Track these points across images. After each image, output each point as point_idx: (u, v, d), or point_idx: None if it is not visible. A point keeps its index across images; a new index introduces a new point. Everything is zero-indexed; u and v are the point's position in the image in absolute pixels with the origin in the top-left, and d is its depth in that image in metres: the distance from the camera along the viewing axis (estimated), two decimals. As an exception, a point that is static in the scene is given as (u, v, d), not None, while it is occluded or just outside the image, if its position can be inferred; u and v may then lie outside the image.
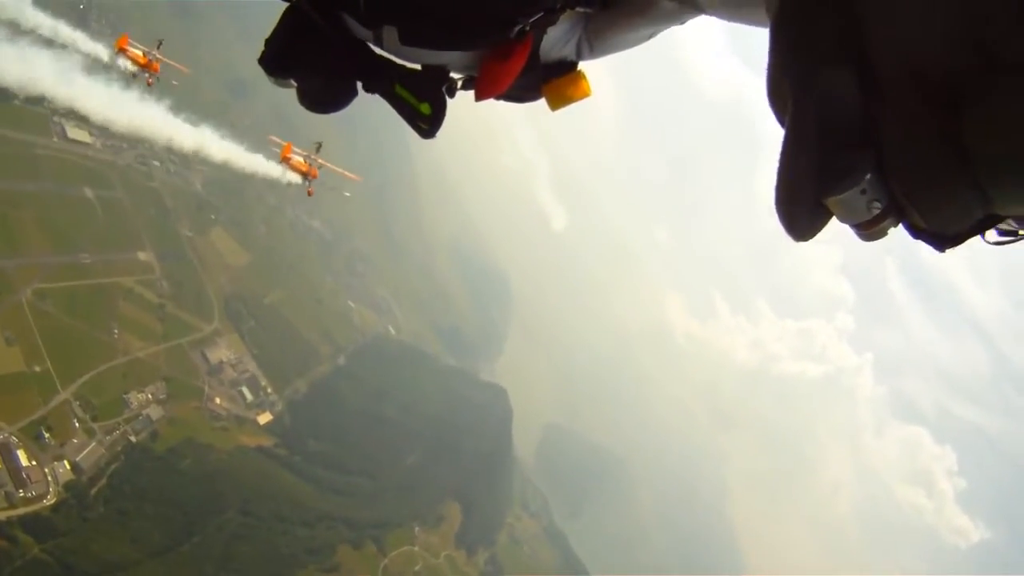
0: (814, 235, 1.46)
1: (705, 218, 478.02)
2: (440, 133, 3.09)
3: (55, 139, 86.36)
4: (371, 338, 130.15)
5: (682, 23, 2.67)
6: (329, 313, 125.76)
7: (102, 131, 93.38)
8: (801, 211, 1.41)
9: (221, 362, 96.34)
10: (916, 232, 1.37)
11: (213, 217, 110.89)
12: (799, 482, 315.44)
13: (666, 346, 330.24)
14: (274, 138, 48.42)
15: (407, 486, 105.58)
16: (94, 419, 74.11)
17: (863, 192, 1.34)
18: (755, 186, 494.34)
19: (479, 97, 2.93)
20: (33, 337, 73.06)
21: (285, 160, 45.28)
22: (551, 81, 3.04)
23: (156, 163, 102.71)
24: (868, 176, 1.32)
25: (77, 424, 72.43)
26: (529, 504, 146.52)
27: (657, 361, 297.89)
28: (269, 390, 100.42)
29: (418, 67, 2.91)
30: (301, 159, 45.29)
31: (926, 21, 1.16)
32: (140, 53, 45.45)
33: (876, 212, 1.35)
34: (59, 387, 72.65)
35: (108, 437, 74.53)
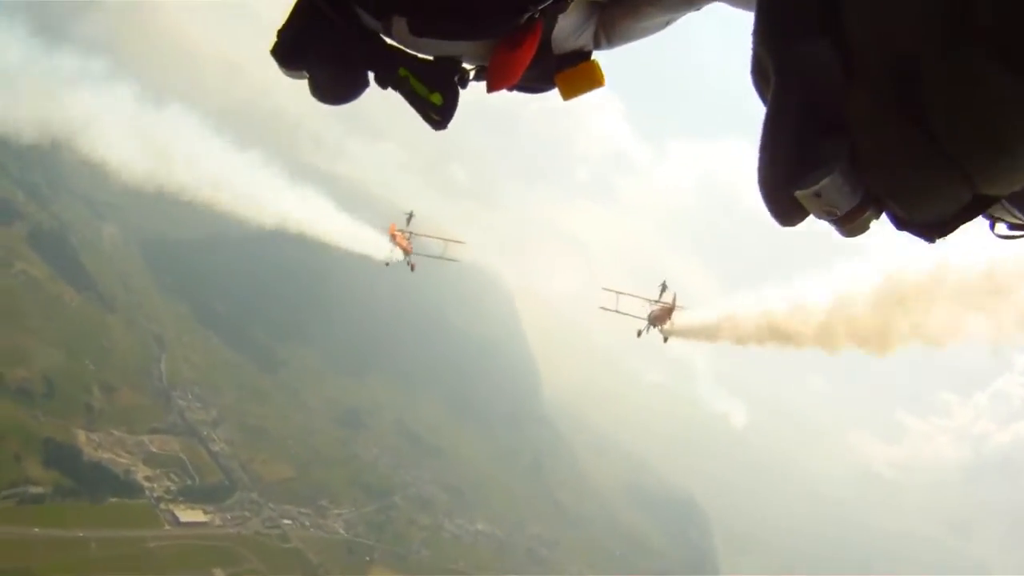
0: (798, 223, 1.41)
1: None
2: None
3: (167, 527, 79.84)
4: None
5: (697, 9, 2.75)
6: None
7: (218, 505, 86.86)
8: (780, 200, 1.36)
9: None
10: (901, 224, 1.29)
11: (368, 558, 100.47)
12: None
13: (874, 486, 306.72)
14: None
15: None
16: None
17: (836, 185, 1.25)
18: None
19: (491, 88, 2.89)
20: None
21: (392, 238, 46.26)
22: (564, 71, 3.03)
23: (288, 521, 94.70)
24: (838, 169, 1.24)
25: None
26: None
27: (872, 504, 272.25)
28: None
29: (430, 58, 2.86)
30: (400, 233, 46.32)
31: None
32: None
33: (852, 206, 1.28)
34: None
35: None
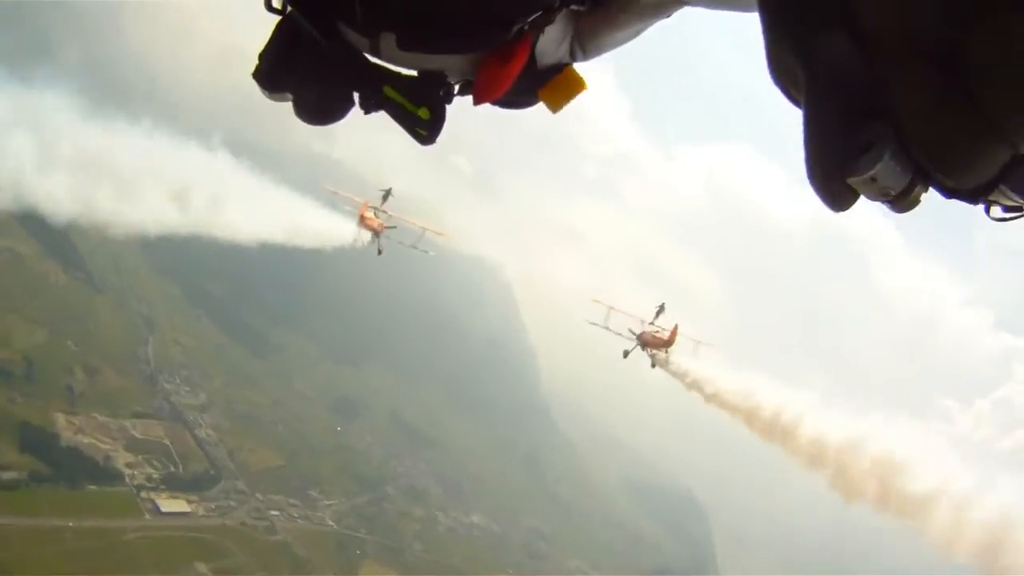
0: (851, 206, 1.46)
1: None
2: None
3: (147, 516, 76.83)
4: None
5: (668, 16, 2.76)
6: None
7: (202, 495, 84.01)
8: (834, 189, 1.39)
9: None
10: (948, 193, 1.33)
11: (359, 552, 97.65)
12: None
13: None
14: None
15: None
16: None
17: (889, 168, 1.27)
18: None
19: (477, 101, 2.94)
20: None
21: (361, 219, 43.21)
22: (547, 84, 3.03)
23: (275, 512, 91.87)
24: (889, 151, 1.26)
25: None
26: None
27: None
28: None
29: (415, 73, 2.92)
30: (372, 214, 43.34)
31: None
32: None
33: (904, 185, 1.31)
34: None
35: None
